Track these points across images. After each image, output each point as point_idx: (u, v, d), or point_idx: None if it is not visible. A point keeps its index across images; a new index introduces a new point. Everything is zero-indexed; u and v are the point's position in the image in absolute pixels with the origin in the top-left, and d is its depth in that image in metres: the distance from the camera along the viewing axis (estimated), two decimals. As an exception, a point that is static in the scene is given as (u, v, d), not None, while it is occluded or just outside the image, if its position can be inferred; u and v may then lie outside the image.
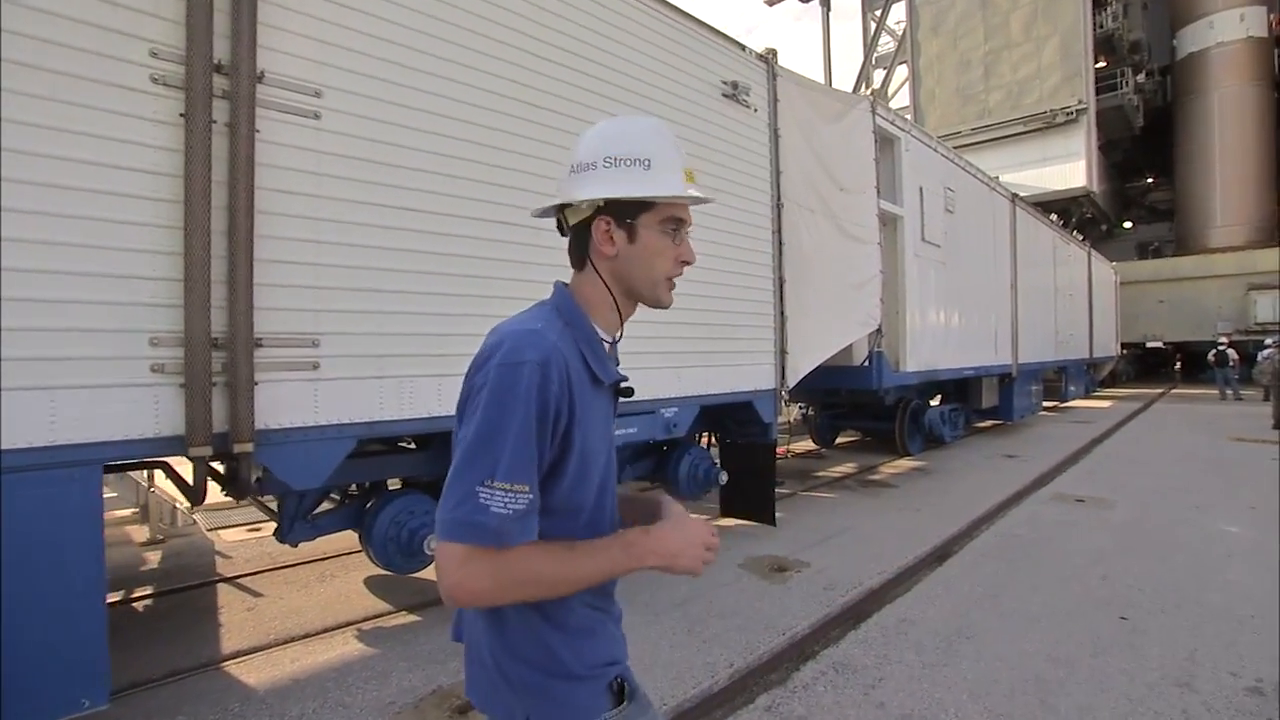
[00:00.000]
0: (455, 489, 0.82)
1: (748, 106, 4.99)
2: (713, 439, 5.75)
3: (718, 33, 4.84)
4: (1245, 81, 26.32)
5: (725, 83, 4.83)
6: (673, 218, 0.99)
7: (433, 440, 3.77)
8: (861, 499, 6.57)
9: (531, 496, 0.83)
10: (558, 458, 0.90)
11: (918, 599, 3.93)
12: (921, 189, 7.33)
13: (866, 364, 6.61)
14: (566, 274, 1.06)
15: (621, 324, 1.05)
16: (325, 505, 3.75)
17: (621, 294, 1.01)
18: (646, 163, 0.96)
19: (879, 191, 6.52)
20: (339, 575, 4.55)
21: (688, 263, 1.02)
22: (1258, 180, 26.19)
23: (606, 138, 0.98)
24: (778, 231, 5.15)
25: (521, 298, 3.04)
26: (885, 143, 6.93)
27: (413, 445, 4.05)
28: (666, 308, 1.05)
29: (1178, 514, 5.80)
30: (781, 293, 5.13)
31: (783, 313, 5.12)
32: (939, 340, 7.76)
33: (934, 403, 9.45)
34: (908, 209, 7.00)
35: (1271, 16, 26.52)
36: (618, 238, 0.97)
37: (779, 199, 5.16)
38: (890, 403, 8.23)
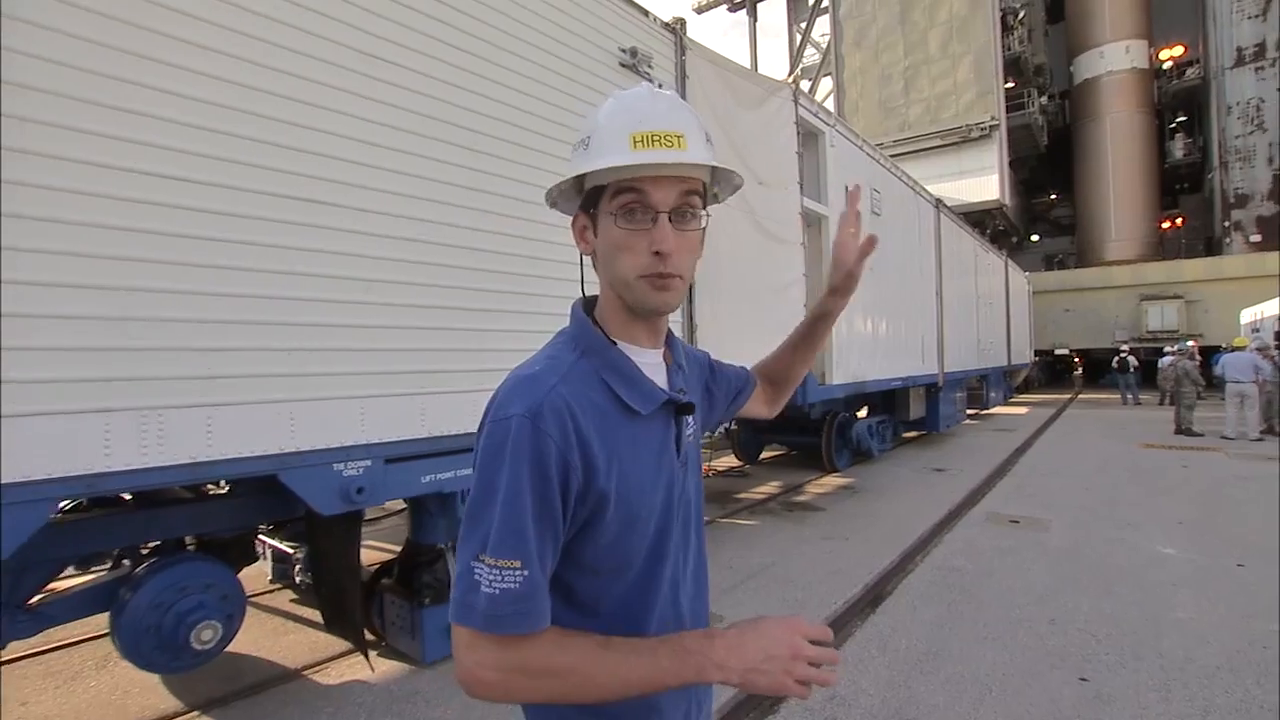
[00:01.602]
0: (456, 564, 0.73)
1: (650, 79, 4.27)
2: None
3: (615, -9, 4.12)
4: (1132, 108, 28.10)
5: (623, 50, 4.10)
6: (627, 197, 0.78)
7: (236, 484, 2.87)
8: (786, 525, 5.96)
9: (526, 574, 0.70)
10: (591, 515, 0.77)
11: (850, 667, 3.26)
12: (847, 188, 6.84)
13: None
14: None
15: (657, 332, 0.90)
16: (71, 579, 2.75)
17: (626, 293, 0.83)
18: (586, 141, 0.82)
19: (802, 188, 5.96)
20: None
21: (660, 253, 0.77)
22: (1144, 199, 27.98)
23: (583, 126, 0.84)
24: (687, 226, 4.45)
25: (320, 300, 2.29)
26: (809, 137, 6.40)
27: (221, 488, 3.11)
28: (662, 312, 0.84)
29: (1111, 533, 5.45)
30: (690, 296, 4.43)
31: (691, 318, 4.41)
32: (866, 350, 7.28)
33: (861, 414, 9.04)
34: (833, 208, 6.47)
35: (1152, 50, 28.45)
36: (588, 234, 0.86)
37: (688, 188, 4.47)
38: (816, 416, 7.71)
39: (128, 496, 2.90)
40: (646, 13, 4.39)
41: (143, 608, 2.48)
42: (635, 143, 0.77)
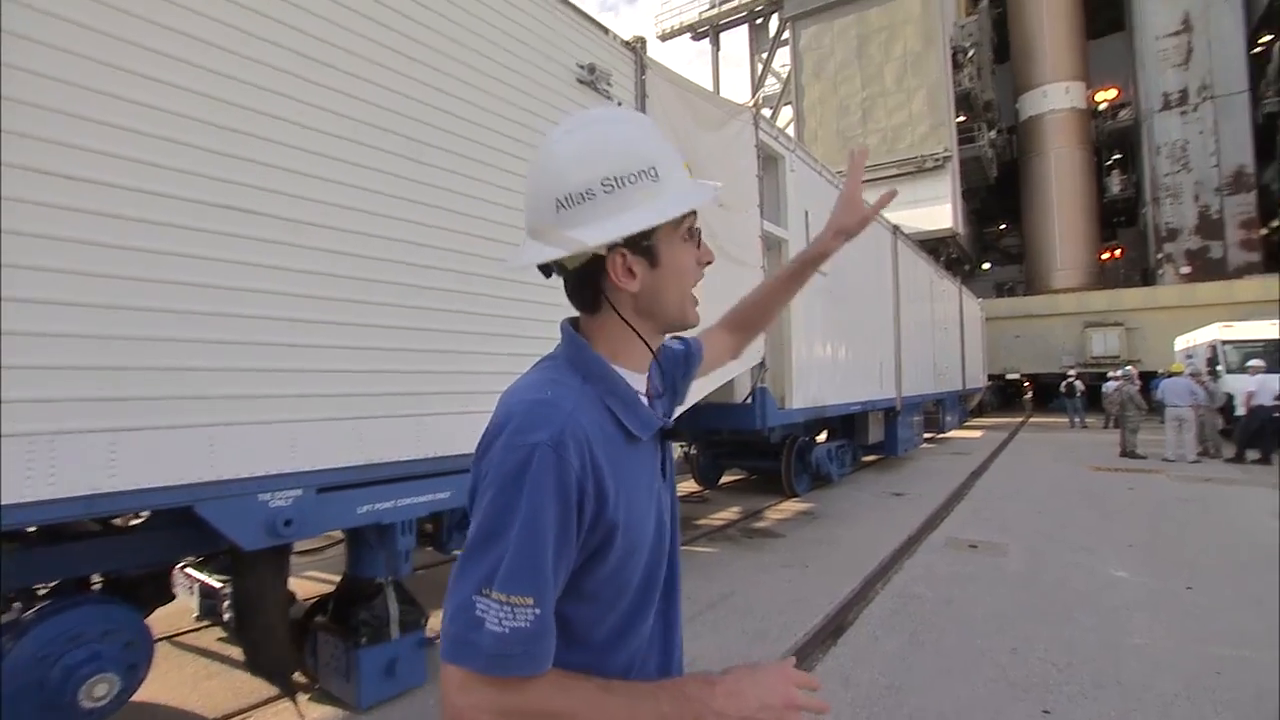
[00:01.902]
0: (453, 597, 0.69)
1: (609, 97, 4.21)
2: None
3: (575, 8, 4.05)
4: (1073, 145, 29.52)
5: (581, 66, 4.03)
6: (691, 219, 0.83)
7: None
8: (746, 553, 5.84)
9: (538, 613, 0.66)
10: (599, 545, 0.75)
11: (810, 701, 3.12)
12: (807, 212, 6.88)
13: (749, 401, 5.93)
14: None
15: (648, 356, 0.87)
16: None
17: (650, 329, 0.85)
18: (653, 172, 0.77)
19: (763, 211, 5.95)
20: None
21: (708, 263, 0.86)
22: (1086, 231, 29.29)
23: (592, 154, 0.76)
24: (646, 246, 4.36)
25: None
26: (769, 161, 6.42)
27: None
28: (693, 325, 0.88)
29: (1066, 558, 5.49)
30: (650, 318, 4.33)
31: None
32: (826, 374, 7.29)
33: (821, 438, 9.03)
34: (793, 232, 6.49)
35: (1089, 92, 30.04)
36: (638, 267, 0.79)
37: (647, 208, 4.39)
38: (776, 441, 7.66)
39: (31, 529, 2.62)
40: (606, 30, 4.34)
41: (23, 662, 2.19)
42: (689, 171, 0.81)
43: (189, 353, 2.30)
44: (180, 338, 2.28)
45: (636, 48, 4.54)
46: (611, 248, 0.77)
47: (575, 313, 0.89)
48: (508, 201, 3.52)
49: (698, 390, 4.77)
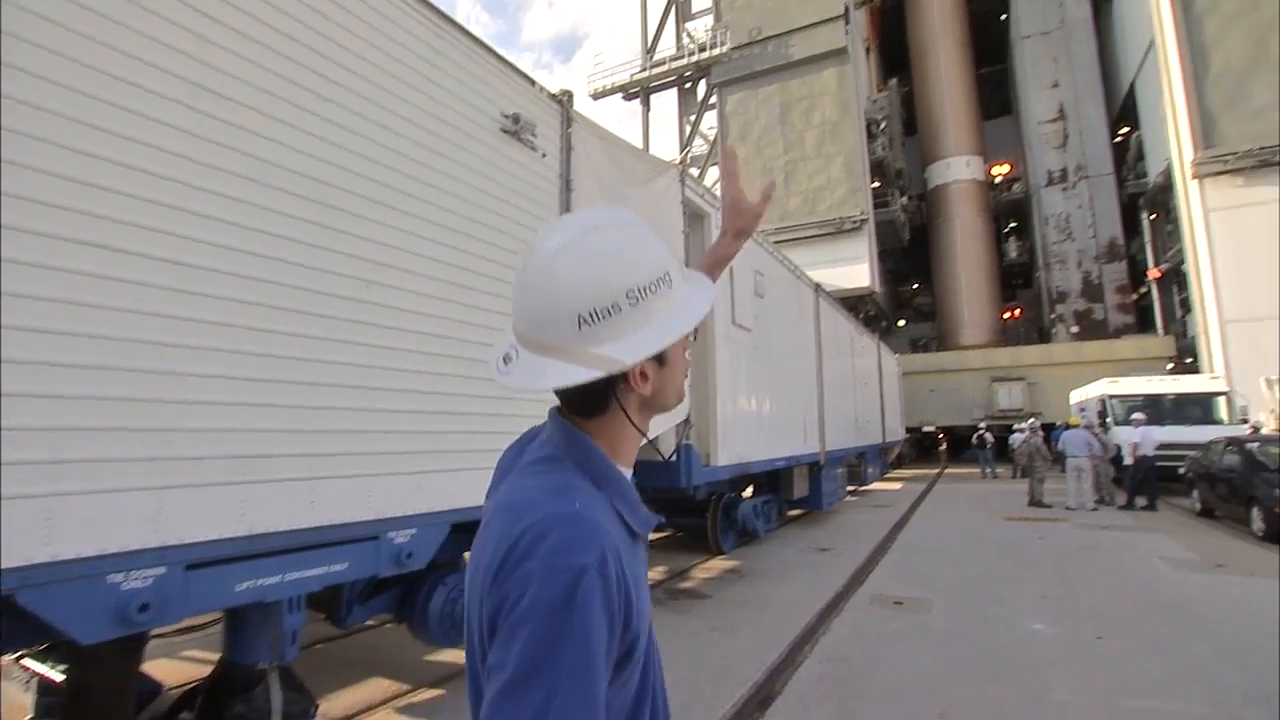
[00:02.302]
0: None
1: (533, 149, 4.15)
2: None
3: (500, 57, 4.00)
4: (975, 213, 32.05)
5: (505, 115, 3.96)
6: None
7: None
8: (671, 617, 5.61)
9: None
10: (622, 657, 0.70)
11: (738, 786, 2.92)
12: (732, 269, 6.98)
13: (674, 459, 5.82)
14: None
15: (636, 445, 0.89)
16: None
17: (646, 420, 0.86)
18: (668, 277, 0.78)
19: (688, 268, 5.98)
20: None
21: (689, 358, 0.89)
22: (989, 292, 31.52)
23: (610, 266, 0.74)
24: (569, 298, 4.25)
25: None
26: (695, 218, 6.51)
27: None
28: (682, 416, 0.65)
29: (987, 611, 5.56)
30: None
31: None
32: (751, 430, 7.29)
33: (748, 493, 8.99)
34: (717, 288, 6.55)
35: (986, 165, 32.88)
36: (651, 370, 0.80)
37: (571, 260, 4.30)
38: (702, 498, 7.54)
39: None
40: (533, 81, 4.31)
41: None
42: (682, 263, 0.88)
43: (15, 411, 1.97)
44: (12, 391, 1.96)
45: (563, 100, 4.53)
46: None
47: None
48: (418, 249, 3.35)
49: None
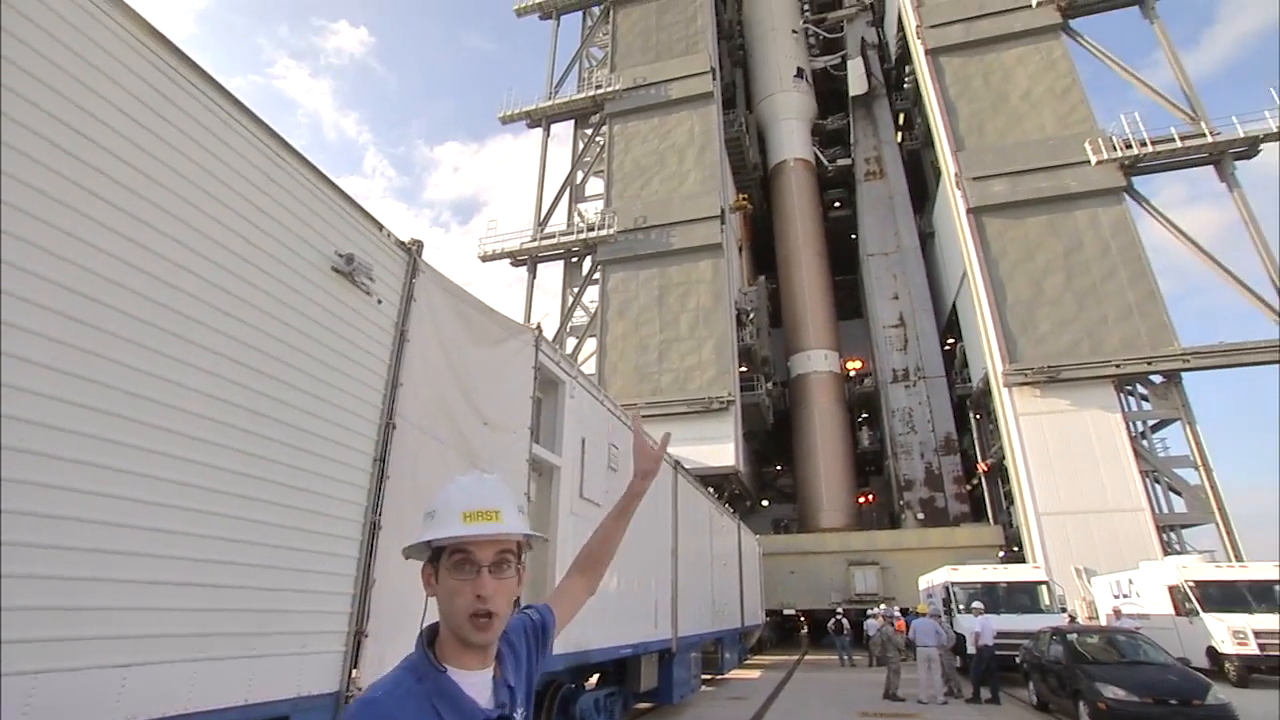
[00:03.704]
0: None
1: (367, 293, 3.92)
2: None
3: (343, 194, 3.88)
4: (832, 402, 34.90)
5: (340, 255, 3.75)
6: (456, 556, 1.13)
7: None
8: None
9: None
10: None
11: None
12: (584, 440, 6.80)
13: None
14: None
15: (485, 656, 1.17)
16: None
17: (455, 632, 1.13)
18: (432, 514, 1.20)
19: (535, 435, 5.74)
20: None
21: (481, 596, 1.10)
22: (844, 477, 33.45)
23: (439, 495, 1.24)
24: (381, 460, 3.81)
25: None
26: (549, 385, 6.40)
27: None
28: (483, 646, 1.14)
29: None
30: (373, 543, 3.63)
31: (368, 575, 3.56)
32: (594, 613, 6.69)
33: (591, 682, 8.09)
34: (566, 459, 6.30)
35: (841, 359, 36.62)
36: (432, 581, 1.18)
37: (390, 417, 3.93)
38: (538, 689, 6.65)
39: None
40: (380, 225, 4.19)
41: None
42: (465, 518, 1.15)
43: None
44: None
45: (412, 250, 4.42)
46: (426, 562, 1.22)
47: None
48: (209, 387, 2.89)
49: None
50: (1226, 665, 13.00)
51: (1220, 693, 8.49)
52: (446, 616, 1.13)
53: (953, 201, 27.19)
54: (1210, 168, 24.95)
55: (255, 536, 3.06)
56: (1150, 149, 24.49)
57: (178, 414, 2.78)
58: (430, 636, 1.18)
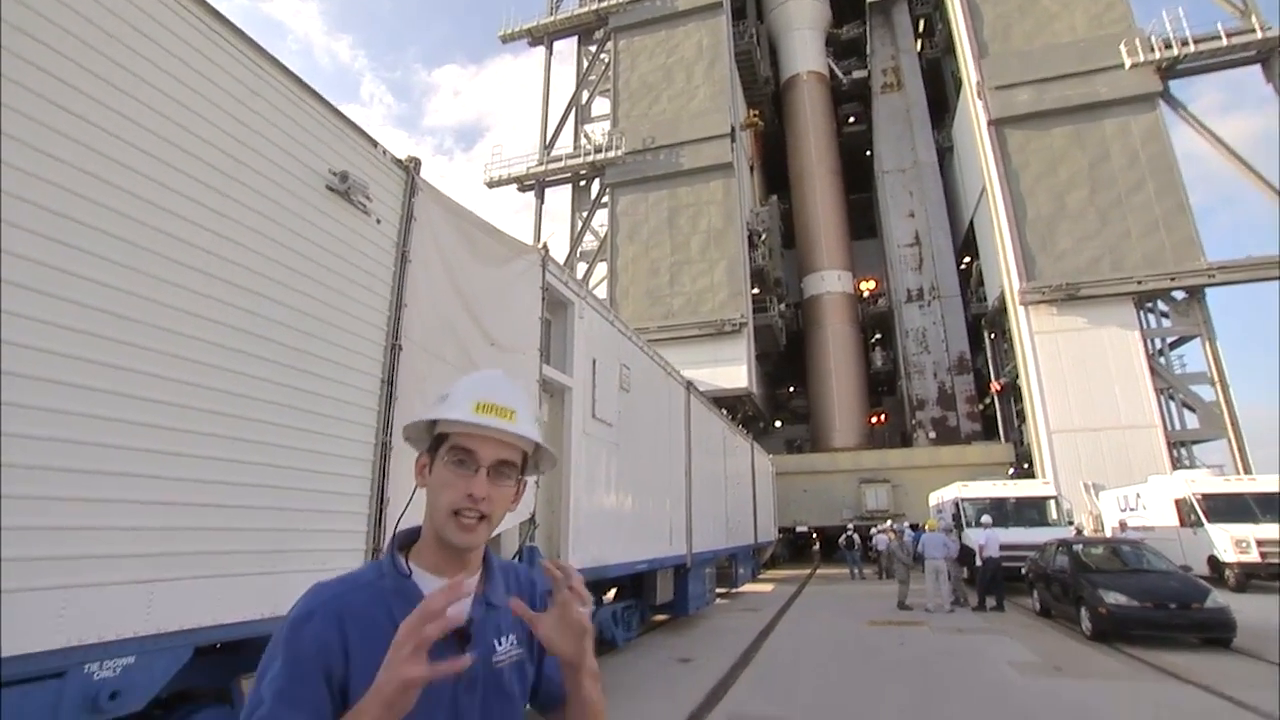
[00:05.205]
0: None
1: (365, 212, 3.79)
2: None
3: (333, 108, 3.69)
4: (845, 323, 34.62)
5: (333, 173, 3.60)
6: (457, 447, 1.02)
7: None
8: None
9: None
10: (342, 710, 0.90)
11: None
12: (595, 361, 6.76)
13: (516, 561, 5.24)
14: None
15: (466, 564, 1.05)
16: None
17: (437, 532, 1.02)
18: (444, 397, 1.08)
19: (545, 356, 5.69)
20: None
21: (473, 495, 0.99)
22: (857, 397, 33.58)
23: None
24: (389, 382, 3.78)
25: None
26: (558, 306, 6.30)
27: None
28: (461, 547, 1.02)
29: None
30: (385, 465, 3.65)
31: (383, 495, 3.60)
32: (610, 530, 6.86)
33: (609, 597, 8.41)
34: (578, 380, 6.27)
35: (855, 280, 36.03)
36: (425, 472, 1.06)
37: (396, 338, 3.87)
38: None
39: None
40: (375, 142, 4.01)
41: None
42: (478, 408, 1.03)
43: None
44: None
45: (410, 167, 4.25)
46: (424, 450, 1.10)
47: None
48: (207, 311, 2.83)
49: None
50: (1226, 573, 13.40)
51: (1219, 596, 8.69)
52: (431, 511, 1.02)
53: (974, 113, 25.93)
54: (1256, 67, 23.47)
55: (268, 459, 3.07)
56: (1192, 49, 22.99)
57: (182, 339, 2.74)
58: (407, 539, 1.08)
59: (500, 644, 1.06)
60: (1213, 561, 13.82)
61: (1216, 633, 8.29)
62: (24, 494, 2.19)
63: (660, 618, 10.77)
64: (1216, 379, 21.40)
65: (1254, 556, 13.06)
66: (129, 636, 2.46)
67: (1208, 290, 22.11)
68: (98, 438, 2.42)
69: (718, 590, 12.91)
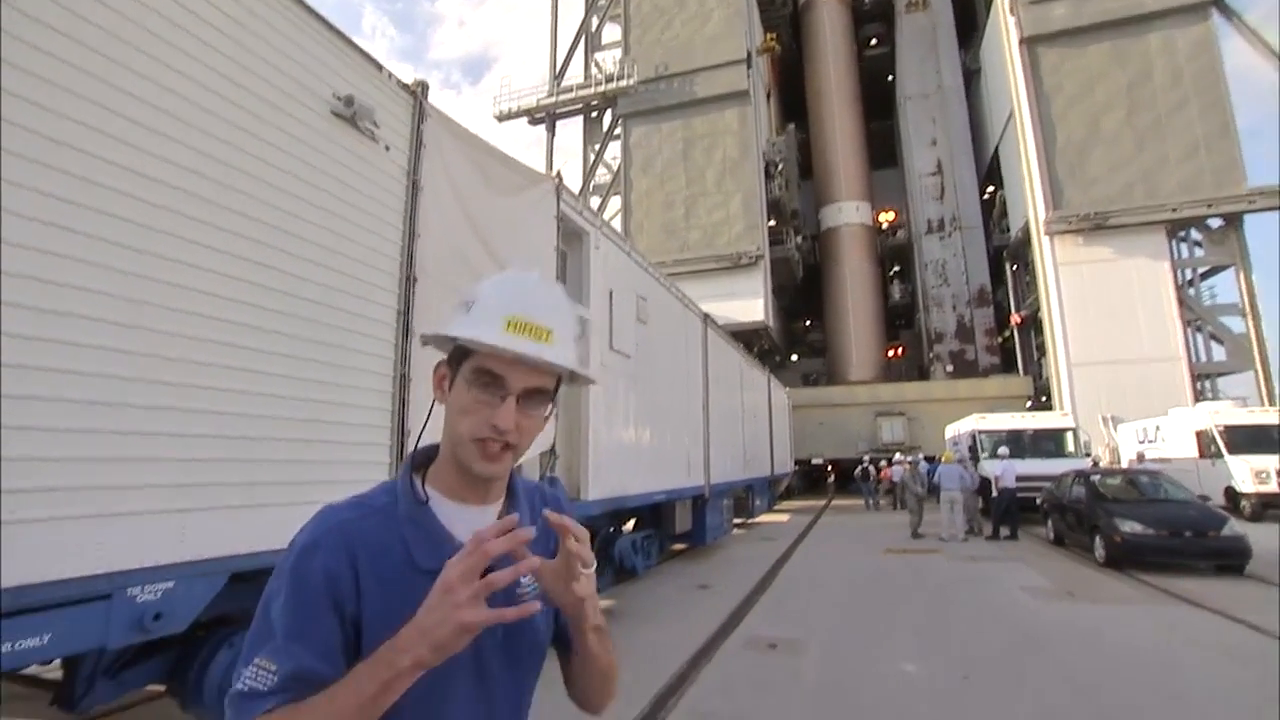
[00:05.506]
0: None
1: (373, 139, 3.65)
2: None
3: (331, 27, 3.50)
4: (863, 256, 33.98)
5: (338, 97, 3.45)
6: (483, 369, 0.87)
7: None
8: (531, 669, 5.07)
9: (273, 669, 0.79)
10: (355, 639, 0.84)
11: None
12: (611, 292, 6.66)
13: (539, 482, 5.31)
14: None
15: (487, 491, 0.94)
16: None
17: (456, 457, 0.90)
18: (469, 305, 0.91)
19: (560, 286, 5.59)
20: None
21: (497, 427, 0.86)
22: (875, 330, 33.31)
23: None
24: (405, 313, 3.73)
25: None
26: (573, 236, 6.16)
27: None
28: (483, 477, 0.90)
29: (861, 651, 5.43)
30: (405, 395, 3.65)
31: (403, 426, 3.61)
32: (629, 462, 6.92)
33: (628, 527, 8.60)
34: (595, 311, 6.20)
35: (874, 211, 35.09)
36: (445, 384, 0.93)
37: (410, 270, 3.80)
38: (579, 533, 7.05)
39: None
40: (379, 66, 3.84)
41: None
42: (508, 325, 0.87)
43: None
44: None
45: (417, 92, 4.07)
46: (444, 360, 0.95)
47: None
48: (212, 241, 2.77)
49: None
50: (1243, 503, 13.47)
51: (1237, 525, 8.71)
52: (450, 433, 0.89)
53: (1004, 31, 24.51)
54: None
55: (291, 392, 3.07)
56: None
57: (198, 272, 2.70)
58: (424, 458, 0.95)
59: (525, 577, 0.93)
60: (1229, 492, 13.89)
61: (1231, 560, 8.35)
62: (56, 426, 2.20)
63: (679, 547, 11.05)
64: (1249, 309, 20.86)
65: (1273, 487, 13.18)
66: (166, 563, 2.52)
67: (1245, 218, 21.27)
68: (122, 371, 2.41)
69: (735, 520, 13.17)
